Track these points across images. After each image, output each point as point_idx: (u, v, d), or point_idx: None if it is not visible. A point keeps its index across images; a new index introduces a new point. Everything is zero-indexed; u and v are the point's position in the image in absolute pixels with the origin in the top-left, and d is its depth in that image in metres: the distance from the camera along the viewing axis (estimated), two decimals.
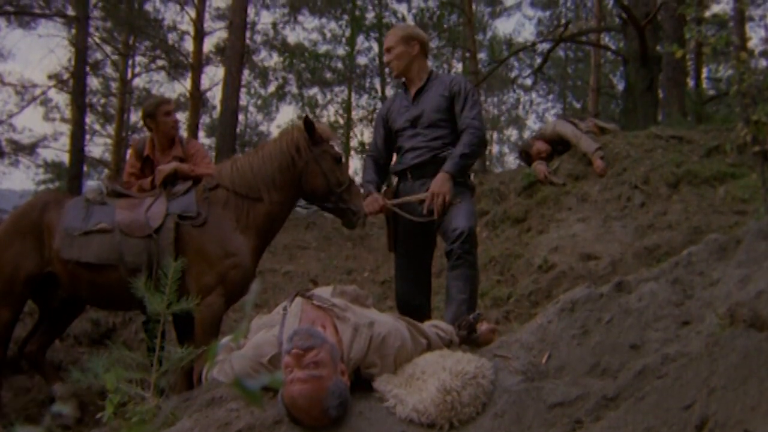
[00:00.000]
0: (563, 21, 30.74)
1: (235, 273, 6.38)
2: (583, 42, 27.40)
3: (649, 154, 10.69)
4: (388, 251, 6.64)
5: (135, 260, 6.36)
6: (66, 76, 29.00)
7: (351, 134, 33.54)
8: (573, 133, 10.96)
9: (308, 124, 6.62)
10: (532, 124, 44.34)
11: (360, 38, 32.91)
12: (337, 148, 6.92)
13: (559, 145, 11.27)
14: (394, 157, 6.73)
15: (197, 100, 27.45)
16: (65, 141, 30.13)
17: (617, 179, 10.31)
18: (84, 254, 6.42)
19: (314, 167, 6.62)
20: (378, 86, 33.78)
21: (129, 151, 7.97)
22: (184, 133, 27.04)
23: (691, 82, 24.46)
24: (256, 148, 7.18)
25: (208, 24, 29.86)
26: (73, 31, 24.91)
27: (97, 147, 35.50)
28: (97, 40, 29.19)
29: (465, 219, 5.83)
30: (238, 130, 24.46)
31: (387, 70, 31.70)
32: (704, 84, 28.41)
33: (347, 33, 32.78)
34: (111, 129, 33.79)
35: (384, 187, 6.69)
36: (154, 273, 6.09)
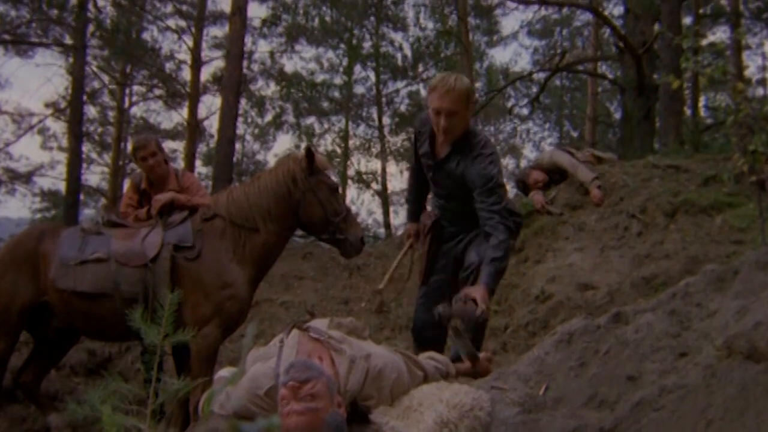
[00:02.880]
0: (560, 50, 30.83)
1: (231, 304, 6.39)
2: (580, 71, 27.48)
3: (646, 183, 10.70)
4: (417, 283, 6.44)
5: (131, 290, 6.37)
6: (63, 104, 29.04)
7: (348, 163, 33.54)
8: (570, 163, 10.97)
9: (309, 154, 6.63)
10: (529, 153, 44.32)
11: (357, 67, 32.94)
12: (333, 178, 6.94)
13: (555, 175, 11.28)
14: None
15: (194, 129, 27.47)
16: (62, 169, 30.09)
17: (614, 209, 10.32)
18: (79, 284, 6.44)
19: (311, 197, 6.63)
20: (375, 116, 33.81)
21: (127, 184, 8.03)
22: (180, 163, 27.09)
23: (688, 111, 24.48)
24: (253, 178, 7.21)
25: (205, 53, 29.94)
26: (71, 59, 24.98)
27: (94, 176, 35.49)
28: (95, 69, 29.26)
29: (477, 255, 5.78)
30: (235, 159, 24.45)
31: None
32: (702, 112, 28.46)
33: (344, 62, 32.78)
34: (108, 158, 33.76)
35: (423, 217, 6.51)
36: (150, 303, 6.10)
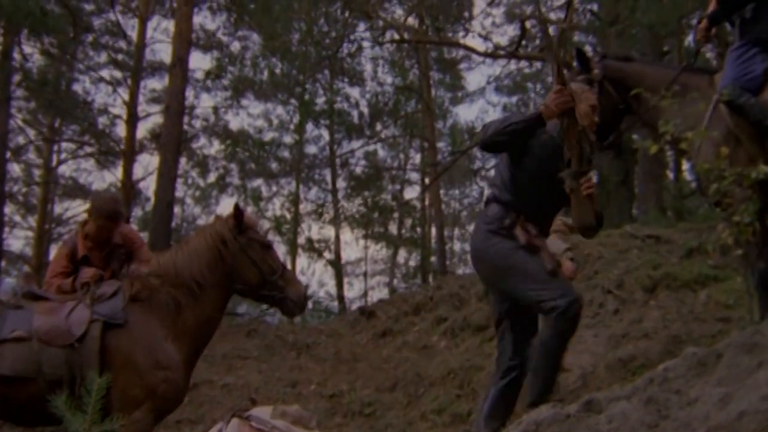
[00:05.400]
0: (531, 107, 31.03)
1: (166, 387, 6.31)
2: None
3: (623, 255, 10.77)
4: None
5: (55, 372, 6.26)
6: None
7: (298, 230, 33.38)
8: None
9: (238, 212, 6.68)
10: None
11: (309, 125, 32.89)
12: (263, 234, 7.00)
13: None
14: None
15: (129, 190, 27.36)
16: None
17: (588, 283, 10.36)
18: None
19: (243, 258, 6.67)
20: (328, 178, 33.79)
21: (59, 249, 7.89)
22: None
23: (670, 175, 24.65)
24: (179, 244, 7.21)
25: (142, 108, 29.92)
26: None
27: (17, 241, 35.12)
28: (20, 123, 29.07)
29: None
30: (173, 224, 24.38)
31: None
32: (686, 175, 28.67)
33: (295, 119, 32.70)
34: (33, 221, 33.55)
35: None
36: (77, 387, 6.02)
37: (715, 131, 5.95)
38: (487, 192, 6.30)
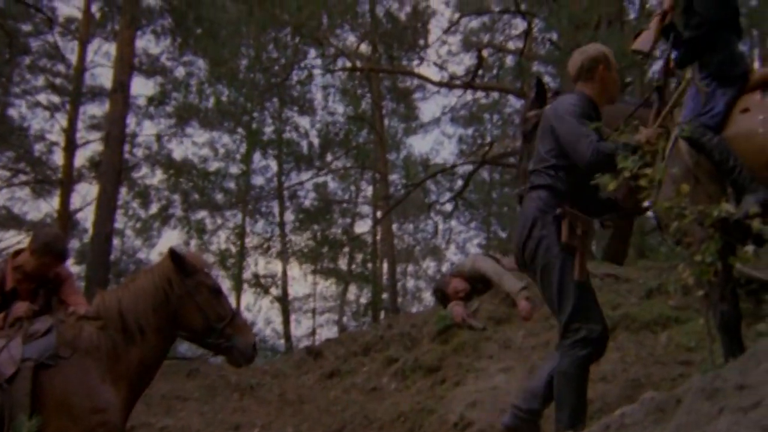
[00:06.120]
0: (488, 139, 31.15)
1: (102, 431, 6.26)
2: (510, 164, 27.81)
3: None
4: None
5: None
6: None
7: (244, 265, 33.25)
8: (494, 271, 11.00)
9: (175, 257, 6.62)
10: (452, 255, 44.31)
11: (257, 155, 32.84)
12: (214, 278, 6.94)
13: (478, 284, 11.28)
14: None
15: (66, 221, 27.17)
16: None
17: (545, 324, 10.35)
18: None
19: (189, 302, 6.60)
20: (276, 210, 33.70)
21: None
22: None
23: None
24: (127, 280, 7.18)
25: (81, 134, 29.75)
26: None
27: None
28: None
29: None
30: (112, 257, 24.18)
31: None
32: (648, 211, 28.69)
33: (242, 149, 32.68)
34: None
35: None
36: (5, 430, 5.95)
37: (674, 168, 5.99)
38: (534, 178, 6.34)
